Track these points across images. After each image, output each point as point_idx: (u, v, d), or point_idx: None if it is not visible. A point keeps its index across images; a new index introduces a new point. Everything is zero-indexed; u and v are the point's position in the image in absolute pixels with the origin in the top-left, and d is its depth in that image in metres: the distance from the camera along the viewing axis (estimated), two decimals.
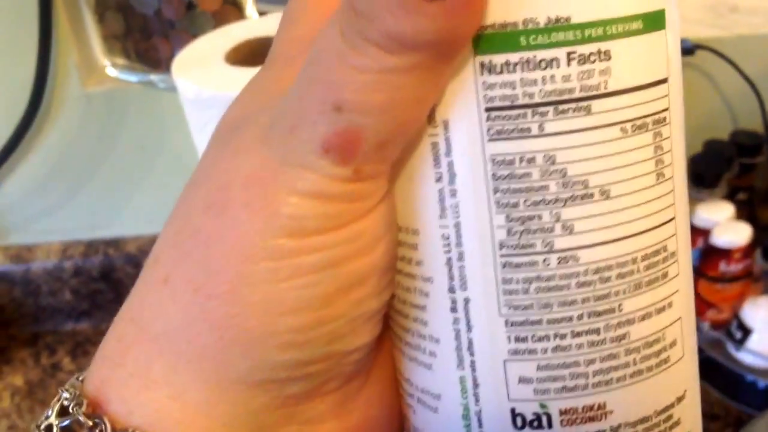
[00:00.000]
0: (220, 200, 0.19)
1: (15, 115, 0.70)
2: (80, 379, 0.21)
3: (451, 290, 0.20)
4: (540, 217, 0.19)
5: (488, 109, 0.18)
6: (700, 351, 0.65)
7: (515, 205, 0.19)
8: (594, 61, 0.18)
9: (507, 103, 0.18)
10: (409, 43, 0.17)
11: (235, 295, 0.19)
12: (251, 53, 0.51)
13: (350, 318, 0.20)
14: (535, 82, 0.18)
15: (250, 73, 0.47)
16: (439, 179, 0.19)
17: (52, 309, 0.78)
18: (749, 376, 0.62)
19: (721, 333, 0.64)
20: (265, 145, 0.19)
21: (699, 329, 0.65)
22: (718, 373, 0.65)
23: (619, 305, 0.19)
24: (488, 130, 0.18)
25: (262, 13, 0.68)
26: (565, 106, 0.18)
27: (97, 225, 0.77)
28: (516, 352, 0.20)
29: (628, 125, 0.19)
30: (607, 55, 0.18)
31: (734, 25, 0.71)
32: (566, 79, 0.18)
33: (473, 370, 0.20)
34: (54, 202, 0.76)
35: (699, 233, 0.64)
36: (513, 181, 0.19)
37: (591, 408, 0.20)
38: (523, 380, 0.20)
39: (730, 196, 0.66)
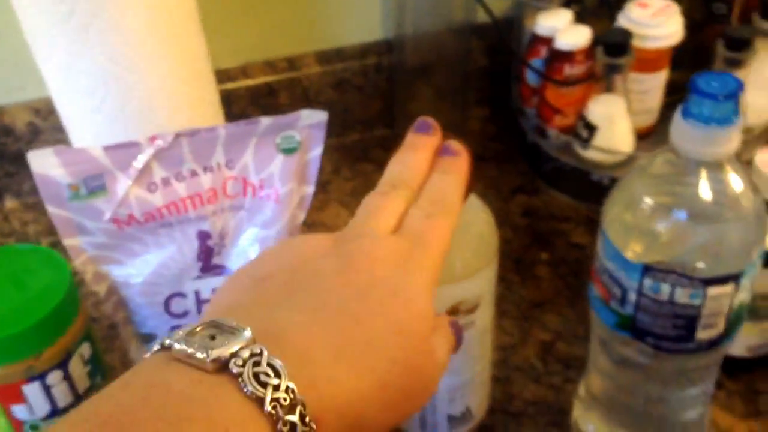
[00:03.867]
0: None
1: None
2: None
3: None
4: None
5: None
6: (550, 160, 0.68)
7: None
8: None
9: None
10: None
11: None
12: None
13: None
14: None
15: None
16: None
17: None
18: (594, 175, 0.66)
19: (569, 137, 0.67)
20: None
21: (547, 137, 0.68)
22: (566, 178, 0.68)
23: None
24: None
25: None
26: None
27: None
28: None
29: None
30: None
31: None
32: None
33: None
34: None
35: (542, 42, 0.66)
36: None
37: None
38: None
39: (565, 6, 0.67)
